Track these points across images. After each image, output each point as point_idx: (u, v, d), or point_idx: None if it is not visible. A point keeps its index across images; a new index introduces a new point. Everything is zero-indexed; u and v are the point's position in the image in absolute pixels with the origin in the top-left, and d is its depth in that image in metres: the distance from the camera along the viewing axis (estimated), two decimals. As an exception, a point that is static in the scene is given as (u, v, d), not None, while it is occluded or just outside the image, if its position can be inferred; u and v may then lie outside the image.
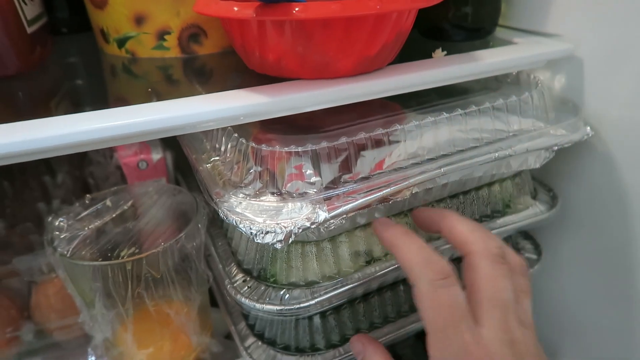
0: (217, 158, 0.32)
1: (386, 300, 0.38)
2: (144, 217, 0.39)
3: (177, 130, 0.28)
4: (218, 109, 0.28)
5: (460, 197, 0.36)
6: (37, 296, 0.43)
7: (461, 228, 0.29)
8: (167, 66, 0.36)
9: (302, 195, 0.28)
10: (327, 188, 0.29)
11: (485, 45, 0.39)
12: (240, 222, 0.27)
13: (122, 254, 0.37)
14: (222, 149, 0.32)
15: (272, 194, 0.29)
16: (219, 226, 0.42)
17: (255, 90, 0.29)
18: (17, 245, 0.44)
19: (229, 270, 0.35)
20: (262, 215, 0.27)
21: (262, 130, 0.32)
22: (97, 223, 0.40)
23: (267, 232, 0.26)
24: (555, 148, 0.36)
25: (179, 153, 0.43)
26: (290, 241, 0.26)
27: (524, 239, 0.48)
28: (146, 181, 0.44)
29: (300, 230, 0.26)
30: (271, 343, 0.37)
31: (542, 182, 0.43)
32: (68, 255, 0.35)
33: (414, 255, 0.27)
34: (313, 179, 0.29)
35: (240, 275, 0.34)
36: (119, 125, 0.26)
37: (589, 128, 0.37)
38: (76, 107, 0.30)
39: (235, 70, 0.34)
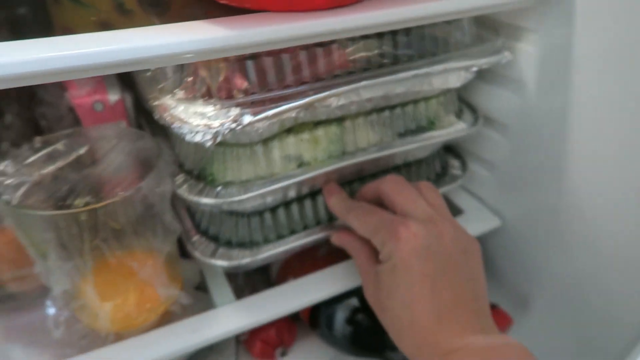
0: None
1: (319, 205, 0.42)
2: (101, 163, 0.37)
3: (128, 66, 0.25)
4: (164, 44, 0.24)
5: (386, 112, 0.39)
6: (-12, 246, 0.40)
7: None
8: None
9: (232, 98, 0.30)
10: (256, 94, 0.31)
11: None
12: (173, 122, 0.29)
13: (76, 203, 0.33)
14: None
15: (204, 98, 0.31)
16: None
17: (215, 23, 0.26)
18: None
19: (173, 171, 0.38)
20: (194, 118, 0.29)
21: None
22: (49, 169, 0.36)
23: (197, 132, 0.28)
24: (474, 69, 0.39)
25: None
26: (217, 140, 0.29)
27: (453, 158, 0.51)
28: (104, 124, 0.41)
29: (227, 131, 0.29)
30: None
31: (470, 103, 0.46)
32: (14, 203, 0.32)
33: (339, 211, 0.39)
34: (244, 86, 0.31)
35: (181, 175, 0.38)
36: (57, 57, 0.23)
37: (507, 52, 0.40)
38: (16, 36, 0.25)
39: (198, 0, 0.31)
